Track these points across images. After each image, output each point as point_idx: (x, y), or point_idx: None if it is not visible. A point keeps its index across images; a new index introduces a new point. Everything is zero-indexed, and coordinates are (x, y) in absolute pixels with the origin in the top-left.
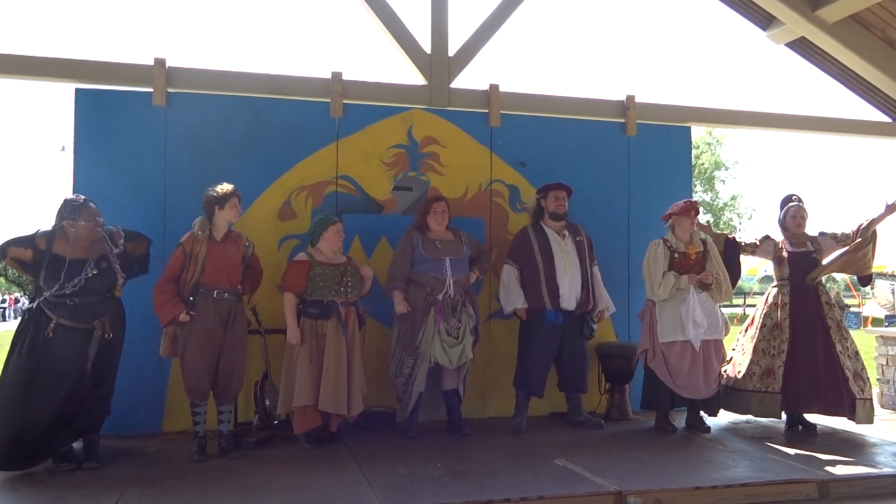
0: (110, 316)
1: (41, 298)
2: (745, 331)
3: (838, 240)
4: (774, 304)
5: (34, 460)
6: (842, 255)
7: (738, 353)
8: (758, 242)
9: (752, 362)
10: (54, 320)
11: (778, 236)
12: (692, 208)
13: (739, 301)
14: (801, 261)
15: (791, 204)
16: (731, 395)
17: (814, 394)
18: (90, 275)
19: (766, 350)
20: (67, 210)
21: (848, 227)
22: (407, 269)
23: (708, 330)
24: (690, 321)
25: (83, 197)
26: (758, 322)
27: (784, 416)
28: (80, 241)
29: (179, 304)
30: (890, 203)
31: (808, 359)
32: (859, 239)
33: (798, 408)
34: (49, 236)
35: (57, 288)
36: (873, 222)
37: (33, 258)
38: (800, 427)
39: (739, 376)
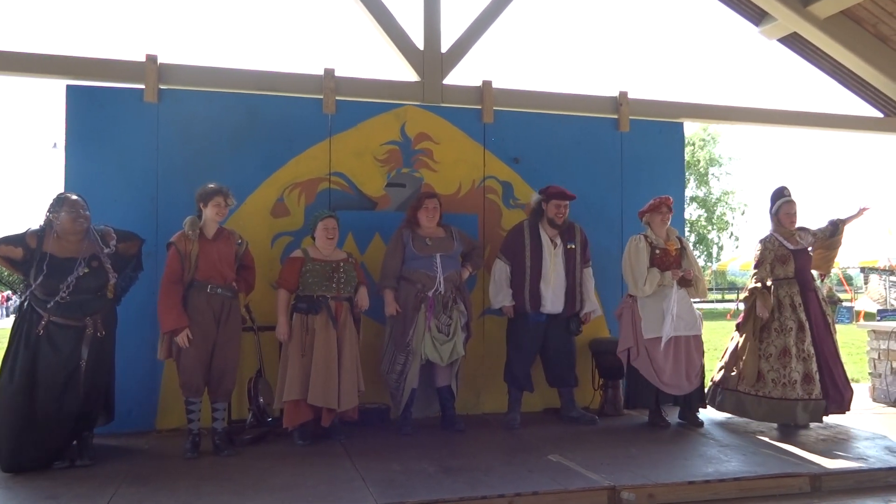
0: (102, 315)
1: (30, 294)
2: (754, 334)
3: (815, 236)
4: (791, 304)
5: (37, 461)
6: (817, 252)
7: (761, 358)
8: (759, 254)
9: (791, 369)
10: (45, 318)
11: (760, 234)
12: (662, 205)
13: (732, 296)
14: (803, 257)
15: (784, 199)
16: (771, 405)
17: (839, 393)
18: (81, 274)
19: (798, 355)
20: (52, 204)
21: (820, 225)
22: (398, 267)
23: (687, 326)
24: (671, 316)
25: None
26: (777, 324)
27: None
28: (66, 236)
29: (184, 318)
30: (862, 207)
31: (830, 358)
32: (834, 238)
33: (833, 409)
34: (39, 234)
35: (45, 286)
36: (845, 222)
37: (24, 256)
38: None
39: (777, 384)
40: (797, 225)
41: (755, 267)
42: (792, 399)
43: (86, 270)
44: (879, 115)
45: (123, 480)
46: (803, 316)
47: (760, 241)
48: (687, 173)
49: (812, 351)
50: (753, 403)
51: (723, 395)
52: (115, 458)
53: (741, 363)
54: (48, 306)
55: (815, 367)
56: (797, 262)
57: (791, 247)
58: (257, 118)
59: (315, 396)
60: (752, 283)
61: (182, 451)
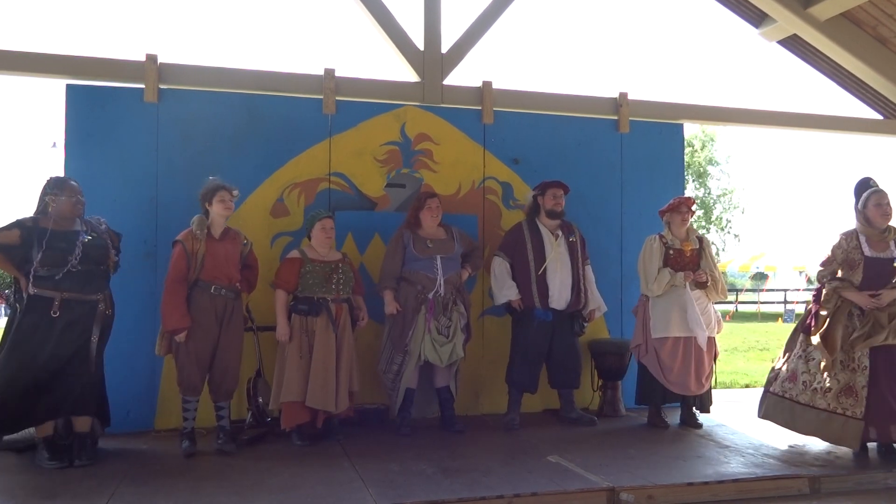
0: (108, 292)
1: (33, 279)
2: (804, 333)
3: None
4: (848, 312)
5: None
6: None
7: (801, 359)
8: (830, 251)
9: (829, 376)
10: (58, 297)
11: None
12: (682, 205)
13: (732, 297)
14: (879, 269)
15: (871, 190)
16: (791, 408)
17: (885, 421)
18: (86, 240)
19: (845, 362)
20: (50, 186)
21: None
22: (398, 268)
23: (700, 327)
24: (687, 318)
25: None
26: (830, 326)
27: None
28: (61, 219)
29: (186, 318)
30: None
31: (892, 377)
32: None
33: (881, 435)
34: (33, 217)
35: (50, 258)
36: None
37: (21, 238)
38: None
39: (807, 388)
40: None
41: (821, 265)
42: (820, 408)
43: (89, 238)
44: (879, 117)
45: (122, 480)
46: (857, 323)
47: (840, 236)
48: (686, 174)
49: (865, 363)
50: (777, 405)
51: (763, 398)
52: (113, 458)
53: (783, 361)
54: (57, 279)
55: (863, 381)
56: (868, 271)
57: (868, 253)
58: (257, 118)
59: (314, 399)
60: (818, 283)
61: (180, 449)
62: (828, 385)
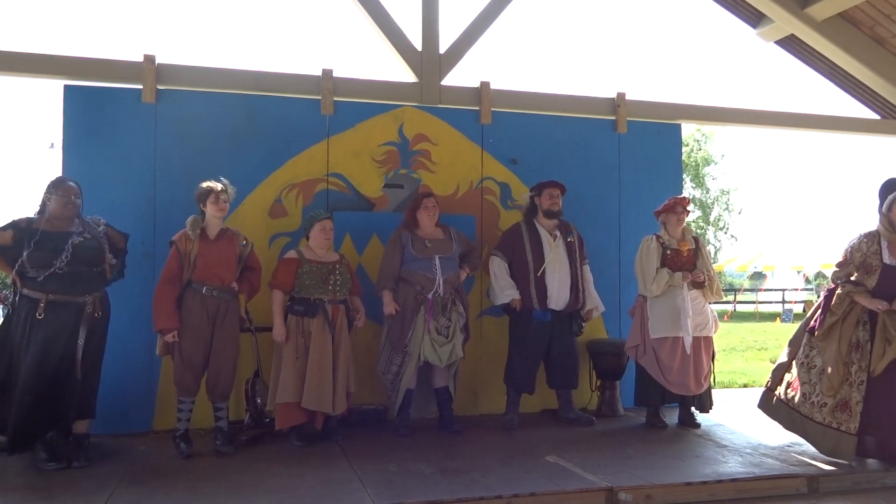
0: (100, 296)
1: (22, 278)
2: (809, 332)
3: None
4: (856, 321)
5: (25, 443)
6: None
7: (803, 366)
8: (847, 252)
9: (825, 390)
10: (43, 299)
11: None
12: (678, 205)
13: (730, 298)
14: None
15: None
16: (790, 414)
17: (885, 439)
18: (77, 241)
19: (844, 375)
20: (48, 185)
21: None
22: (396, 269)
23: (698, 327)
24: (683, 318)
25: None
26: (836, 335)
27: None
28: (55, 220)
29: (174, 319)
30: None
31: (891, 392)
32: None
33: (878, 452)
34: (28, 218)
35: (38, 258)
36: None
37: (14, 238)
38: None
39: (806, 398)
40: None
41: (837, 266)
42: (815, 421)
43: (81, 240)
44: (876, 116)
45: (120, 481)
46: (864, 335)
47: (859, 237)
48: (684, 173)
49: (863, 378)
50: (780, 409)
51: (767, 396)
52: (112, 458)
53: (787, 362)
54: (41, 281)
55: (857, 397)
56: (883, 279)
57: (887, 260)
58: (255, 119)
59: (309, 400)
60: (831, 284)
61: (177, 451)
62: (824, 401)
